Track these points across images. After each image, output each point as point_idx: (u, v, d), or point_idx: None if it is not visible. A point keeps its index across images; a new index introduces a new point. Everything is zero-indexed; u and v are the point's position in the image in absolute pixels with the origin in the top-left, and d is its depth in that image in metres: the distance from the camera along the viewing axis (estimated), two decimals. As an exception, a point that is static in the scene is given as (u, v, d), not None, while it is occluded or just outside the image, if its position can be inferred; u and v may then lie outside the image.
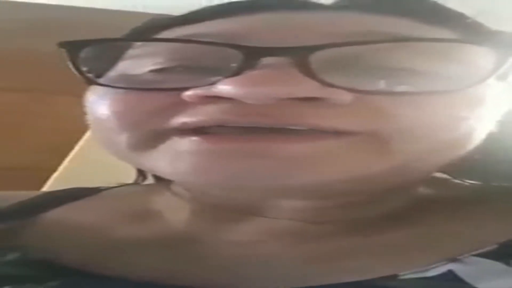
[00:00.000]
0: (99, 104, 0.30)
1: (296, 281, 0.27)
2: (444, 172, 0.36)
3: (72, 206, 0.40)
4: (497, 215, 0.30)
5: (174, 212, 0.35)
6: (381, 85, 0.27)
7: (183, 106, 0.27)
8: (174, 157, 0.28)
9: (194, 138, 0.27)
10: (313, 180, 0.27)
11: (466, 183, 0.37)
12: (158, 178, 0.42)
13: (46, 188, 0.90)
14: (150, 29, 0.33)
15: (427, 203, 0.33)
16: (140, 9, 1.00)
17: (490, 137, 0.31)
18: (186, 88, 0.27)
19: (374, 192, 0.31)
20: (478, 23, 0.32)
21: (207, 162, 0.26)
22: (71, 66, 0.29)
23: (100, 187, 0.44)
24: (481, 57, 0.27)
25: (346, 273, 0.27)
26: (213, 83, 0.26)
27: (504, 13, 0.31)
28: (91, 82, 0.30)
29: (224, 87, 0.25)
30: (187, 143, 0.27)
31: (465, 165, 0.34)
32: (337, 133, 0.27)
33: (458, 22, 0.31)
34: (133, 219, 0.36)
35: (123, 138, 0.29)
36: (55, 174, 0.94)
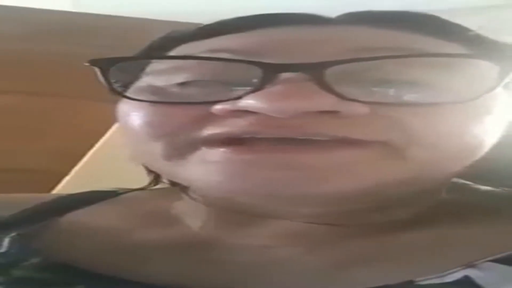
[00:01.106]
0: (132, 115, 0.31)
1: (312, 287, 0.27)
2: (463, 178, 0.36)
3: (89, 209, 0.40)
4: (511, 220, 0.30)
5: (191, 216, 0.36)
6: (392, 96, 0.28)
7: (211, 118, 0.28)
8: (207, 167, 0.29)
9: (225, 148, 0.28)
10: (337, 188, 0.28)
11: (484, 189, 0.36)
12: (174, 183, 0.42)
13: (56, 191, 0.91)
14: (170, 43, 0.34)
15: (444, 208, 0.33)
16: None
17: (504, 143, 0.32)
18: (213, 102, 0.28)
19: (390, 198, 0.31)
20: (481, 35, 0.32)
21: (241, 171, 0.28)
22: (104, 82, 0.30)
23: (116, 190, 0.44)
24: (486, 69, 0.28)
25: (362, 278, 0.27)
26: (239, 97, 0.27)
27: (503, 27, 0.31)
28: (124, 96, 0.31)
29: (250, 102, 0.27)
30: (219, 153, 0.28)
31: (483, 171, 0.34)
32: (356, 144, 0.28)
33: (462, 36, 0.31)
34: (151, 223, 0.36)
35: (156, 148, 0.30)
36: (67, 178, 0.95)
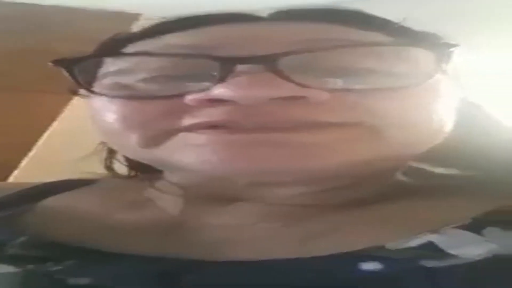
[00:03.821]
0: (106, 111, 0.33)
1: (282, 255, 0.30)
2: (424, 162, 0.40)
3: (69, 194, 0.43)
4: (468, 197, 0.34)
5: (165, 200, 0.38)
6: (345, 83, 0.31)
7: (185, 110, 0.31)
8: (195, 151, 0.31)
9: (209, 132, 0.30)
10: (319, 165, 0.30)
11: (439, 171, 0.41)
12: (147, 172, 0.45)
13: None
14: (125, 40, 0.37)
15: (405, 186, 0.36)
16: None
17: (456, 131, 0.36)
18: (185, 94, 0.30)
19: (361, 175, 0.34)
20: (406, 27, 0.36)
21: (230, 150, 0.30)
22: (74, 81, 0.33)
23: (94, 178, 0.47)
24: (425, 57, 0.31)
25: (339, 245, 0.29)
26: (208, 88, 0.30)
27: (424, 18, 0.35)
28: (97, 94, 0.33)
29: (222, 90, 0.29)
30: (204, 137, 0.30)
31: (440, 156, 0.38)
32: (327, 126, 0.30)
33: (389, 27, 0.35)
34: (127, 206, 0.38)
35: (132, 139, 0.33)
36: (16, 172, 0.95)
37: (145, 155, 0.34)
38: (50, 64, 0.33)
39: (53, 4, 0.95)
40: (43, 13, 0.95)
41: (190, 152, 0.31)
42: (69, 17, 0.97)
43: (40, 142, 0.97)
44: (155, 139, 0.32)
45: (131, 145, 0.33)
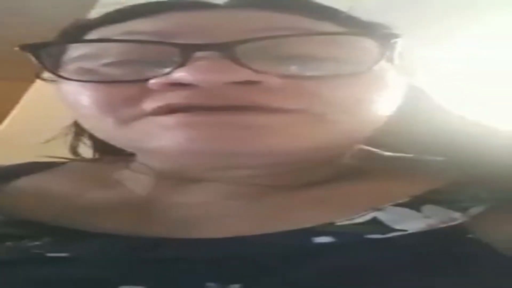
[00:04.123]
0: (78, 94, 0.34)
1: (246, 232, 0.32)
2: (371, 145, 0.43)
3: (39, 176, 0.44)
4: (409, 177, 0.36)
5: (133, 182, 0.40)
6: (296, 69, 0.33)
7: (148, 94, 0.32)
8: (158, 132, 0.33)
9: (174, 114, 0.32)
10: (271, 147, 0.33)
11: (387, 154, 0.43)
12: (112, 154, 0.46)
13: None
14: (88, 27, 0.38)
15: (354, 168, 0.38)
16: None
17: (401, 115, 0.38)
18: (148, 78, 0.32)
19: (313, 158, 0.36)
20: (354, 16, 0.38)
21: (192, 132, 0.32)
22: (41, 66, 0.34)
23: (59, 161, 0.48)
24: (370, 45, 0.33)
25: (292, 223, 0.32)
26: (169, 73, 0.31)
27: (371, 7, 0.37)
28: (63, 78, 0.34)
29: (182, 74, 0.31)
30: (167, 119, 0.32)
31: (386, 140, 0.41)
32: (280, 110, 0.32)
33: (337, 16, 0.37)
34: (96, 186, 0.40)
35: (104, 122, 0.34)
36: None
37: (116, 138, 0.36)
38: (16, 49, 0.34)
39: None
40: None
41: (156, 135, 0.33)
42: (24, 3, 0.95)
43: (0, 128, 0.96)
44: (124, 122, 0.34)
45: (103, 127, 0.35)
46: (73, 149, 0.48)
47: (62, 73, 0.35)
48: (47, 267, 0.31)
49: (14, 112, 0.95)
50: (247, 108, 0.32)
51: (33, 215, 0.35)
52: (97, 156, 0.48)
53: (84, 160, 0.48)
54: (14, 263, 0.32)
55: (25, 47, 0.34)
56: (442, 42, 1.12)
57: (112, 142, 0.38)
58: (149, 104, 0.33)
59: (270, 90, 0.32)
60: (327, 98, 0.33)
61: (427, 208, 0.32)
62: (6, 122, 0.96)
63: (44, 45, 0.34)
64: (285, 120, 0.33)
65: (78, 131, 0.46)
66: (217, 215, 0.35)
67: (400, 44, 0.35)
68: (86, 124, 0.38)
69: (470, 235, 0.30)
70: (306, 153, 0.35)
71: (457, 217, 0.31)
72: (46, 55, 0.34)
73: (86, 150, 0.49)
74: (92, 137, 0.46)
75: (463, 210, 0.31)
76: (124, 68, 0.34)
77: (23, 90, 0.93)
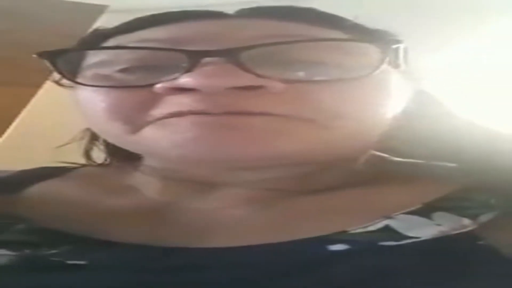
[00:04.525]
0: (93, 100, 0.35)
1: (260, 240, 0.32)
2: (382, 152, 0.43)
3: (53, 182, 0.44)
4: (419, 183, 0.37)
5: (146, 187, 0.40)
6: (303, 75, 0.34)
7: (156, 99, 0.33)
8: (167, 136, 0.33)
9: (181, 118, 0.33)
10: (276, 151, 0.33)
11: (397, 160, 0.43)
12: (125, 159, 0.46)
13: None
14: (105, 35, 0.39)
15: (366, 175, 0.39)
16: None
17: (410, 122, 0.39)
18: (155, 83, 0.33)
19: (321, 163, 0.37)
20: (359, 24, 0.39)
21: (200, 134, 0.32)
22: (57, 73, 0.35)
23: (70, 167, 0.48)
24: (371, 51, 0.34)
25: (305, 230, 0.32)
26: (175, 78, 0.32)
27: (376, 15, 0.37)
28: (80, 84, 0.36)
29: (187, 79, 0.32)
30: (176, 123, 0.33)
31: (396, 146, 0.42)
32: (284, 115, 0.33)
33: (342, 24, 0.38)
34: (110, 193, 0.41)
35: (116, 127, 0.35)
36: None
37: (128, 142, 0.37)
38: (34, 56, 0.35)
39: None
40: (8, 3, 0.94)
41: (166, 140, 0.34)
42: (34, 8, 0.96)
43: (6, 134, 0.96)
44: (136, 127, 0.35)
45: (116, 132, 0.36)
46: (87, 153, 0.49)
47: (79, 79, 0.36)
48: (66, 275, 0.32)
49: (21, 116, 0.95)
50: (251, 113, 0.33)
51: (50, 223, 0.36)
52: (108, 160, 0.49)
53: (95, 165, 0.49)
54: (32, 271, 0.32)
55: (42, 55, 0.35)
56: (446, 48, 1.12)
57: (123, 147, 0.38)
58: (159, 109, 0.33)
59: (273, 95, 0.33)
60: (331, 103, 0.34)
61: (438, 215, 0.32)
62: (13, 126, 0.96)
63: (61, 52, 0.35)
64: (289, 124, 0.33)
65: (93, 135, 0.47)
66: (230, 222, 0.35)
67: (403, 49, 0.35)
68: (98, 130, 0.39)
69: (481, 242, 0.30)
70: (311, 156, 0.35)
71: (468, 224, 0.31)
72: (63, 62, 0.35)
73: (99, 155, 0.49)
74: (105, 142, 0.47)
75: (474, 217, 0.31)
76: (136, 74, 0.35)
77: (31, 95, 0.94)
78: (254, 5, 0.39)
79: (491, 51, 1.19)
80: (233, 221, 0.35)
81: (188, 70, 0.32)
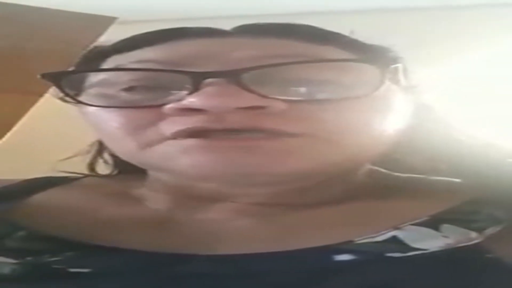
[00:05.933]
0: (102, 117, 0.36)
1: (265, 249, 0.32)
2: (379, 166, 0.44)
3: (56, 190, 0.45)
4: (424, 197, 0.37)
5: (151, 197, 0.41)
6: (304, 94, 0.34)
7: (164, 118, 0.34)
8: (177, 155, 0.34)
9: (190, 139, 0.33)
10: (281, 170, 0.34)
11: (396, 175, 0.43)
12: (131, 172, 0.46)
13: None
14: (104, 54, 0.39)
15: (367, 188, 0.39)
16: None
17: (408, 137, 0.39)
18: (161, 105, 0.34)
19: (325, 177, 0.38)
20: (357, 40, 0.39)
21: (209, 155, 0.33)
22: (61, 93, 0.36)
23: (74, 176, 0.48)
24: (372, 70, 0.34)
25: (310, 241, 0.32)
26: (182, 99, 0.33)
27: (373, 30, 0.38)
28: (84, 104, 0.36)
29: (193, 100, 0.32)
30: (185, 143, 0.34)
31: (395, 161, 0.43)
32: (287, 134, 0.34)
33: (340, 41, 0.38)
34: (114, 202, 0.41)
35: (127, 144, 0.36)
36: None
37: (140, 159, 0.37)
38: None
39: (28, 4, 0.95)
40: (17, 13, 0.94)
41: (176, 158, 0.34)
42: (41, 18, 0.96)
43: (3, 140, 0.96)
44: (145, 145, 0.35)
45: (125, 150, 0.37)
46: (91, 166, 0.49)
47: (83, 97, 0.37)
48: (68, 282, 0.32)
49: (20, 123, 0.95)
50: (255, 132, 0.33)
51: (53, 230, 0.36)
52: (116, 172, 0.49)
53: (99, 175, 0.49)
54: (35, 278, 0.32)
55: (46, 76, 0.35)
56: (447, 62, 1.13)
57: (133, 163, 0.39)
58: (168, 128, 0.34)
59: (275, 114, 0.33)
60: (332, 121, 0.34)
61: (445, 228, 0.32)
62: (12, 132, 0.96)
63: (64, 74, 0.36)
64: (292, 142, 0.34)
65: (100, 149, 0.48)
66: (235, 232, 0.36)
67: (403, 66, 0.36)
68: (109, 145, 0.40)
69: (489, 255, 0.31)
70: (314, 173, 0.36)
71: (474, 237, 0.31)
72: (67, 81, 0.36)
73: (101, 167, 0.50)
74: (113, 155, 0.47)
75: (480, 230, 0.32)
76: (142, 93, 0.35)
77: (32, 103, 0.94)
78: (251, 21, 0.39)
79: (494, 65, 1.21)
80: (238, 231, 0.36)
81: (192, 91, 0.33)
